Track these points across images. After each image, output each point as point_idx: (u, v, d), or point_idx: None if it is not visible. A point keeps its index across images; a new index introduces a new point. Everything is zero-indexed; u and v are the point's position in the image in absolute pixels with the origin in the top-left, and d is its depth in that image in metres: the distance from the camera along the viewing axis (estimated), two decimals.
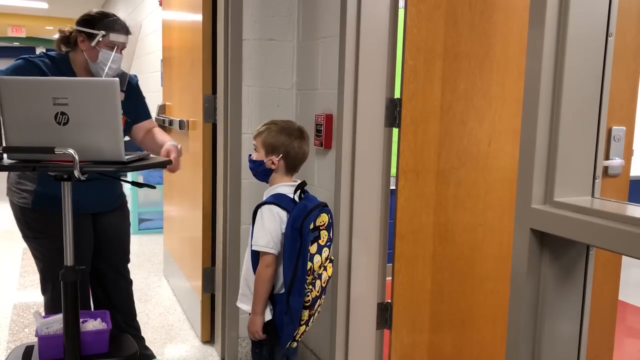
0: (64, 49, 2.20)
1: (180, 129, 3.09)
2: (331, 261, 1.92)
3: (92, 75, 2.20)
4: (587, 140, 1.24)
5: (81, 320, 1.84)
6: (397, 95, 2.18)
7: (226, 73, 2.54)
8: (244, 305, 1.89)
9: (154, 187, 2.08)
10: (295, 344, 1.89)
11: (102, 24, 2.13)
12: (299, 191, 1.82)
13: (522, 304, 1.27)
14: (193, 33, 2.90)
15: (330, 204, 2.06)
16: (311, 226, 1.75)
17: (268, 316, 1.82)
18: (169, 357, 2.83)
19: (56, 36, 2.22)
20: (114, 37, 2.13)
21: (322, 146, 2.32)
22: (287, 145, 1.85)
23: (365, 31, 2.10)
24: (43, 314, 2.23)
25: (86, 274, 2.30)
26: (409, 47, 2.12)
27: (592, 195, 1.26)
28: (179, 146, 2.15)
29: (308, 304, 1.78)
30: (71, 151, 1.55)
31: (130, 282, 2.53)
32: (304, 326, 1.83)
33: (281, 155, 1.85)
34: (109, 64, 2.14)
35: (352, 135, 2.16)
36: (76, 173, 1.57)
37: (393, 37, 2.14)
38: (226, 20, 2.51)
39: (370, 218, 2.22)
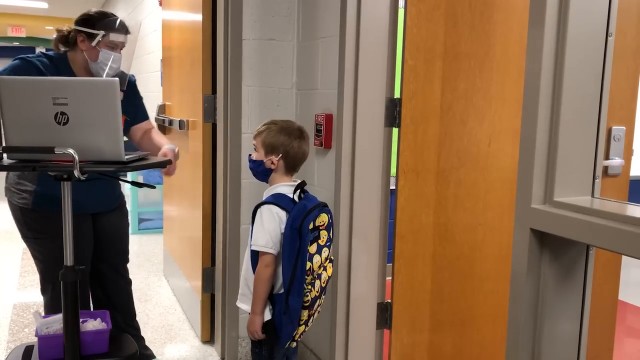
0: (62, 48, 2.20)
1: (180, 128, 3.09)
2: (331, 261, 1.92)
3: (91, 74, 2.19)
4: (587, 140, 1.24)
5: (81, 320, 1.84)
6: (397, 95, 2.18)
7: (226, 73, 2.54)
8: (244, 305, 1.89)
9: (154, 187, 2.07)
10: (294, 344, 1.88)
11: (102, 24, 2.13)
12: (298, 191, 1.82)
13: (522, 304, 1.27)
14: (193, 33, 2.90)
15: (330, 204, 2.06)
16: (310, 226, 1.75)
17: (267, 316, 1.82)
18: (168, 357, 2.83)
19: (54, 36, 2.22)
20: (114, 37, 2.13)
21: (322, 146, 2.32)
22: (287, 145, 1.85)
23: (365, 31, 2.10)
24: (43, 314, 2.23)
25: (86, 274, 2.30)
26: (409, 47, 2.12)
27: (592, 195, 1.26)
28: (176, 149, 2.15)
29: (307, 304, 1.78)
30: (71, 151, 1.55)
31: (130, 281, 2.53)
32: (304, 326, 1.83)
33: (280, 155, 1.85)
34: (109, 63, 2.14)
35: (352, 135, 2.16)
36: (76, 173, 1.56)
37: (393, 37, 2.14)
38: (226, 20, 2.51)
39: (370, 218, 2.22)
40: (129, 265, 2.53)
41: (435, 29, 2.15)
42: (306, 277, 1.75)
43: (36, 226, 2.18)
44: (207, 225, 2.90)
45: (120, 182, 2.43)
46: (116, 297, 2.46)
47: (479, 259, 2.37)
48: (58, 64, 2.15)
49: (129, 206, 5.13)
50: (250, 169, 1.93)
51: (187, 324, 3.22)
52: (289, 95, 2.64)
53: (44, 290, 2.28)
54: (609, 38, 1.22)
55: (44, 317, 1.92)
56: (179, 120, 3.10)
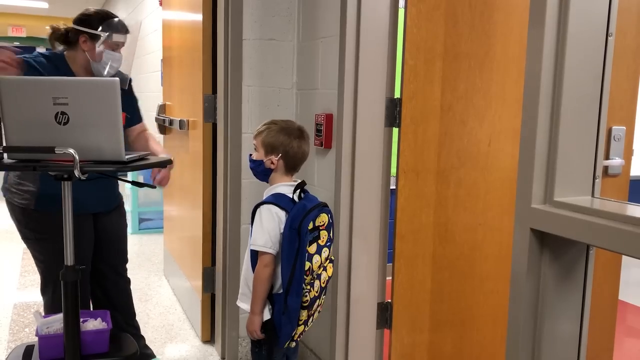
0: (60, 47, 2.20)
1: (180, 128, 3.09)
2: (331, 261, 1.91)
3: (91, 74, 2.19)
4: (587, 140, 1.24)
5: (81, 319, 1.84)
6: (397, 95, 2.18)
7: (226, 73, 2.54)
8: (244, 304, 1.89)
9: (154, 187, 2.08)
10: (294, 343, 1.88)
11: (105, 25, 2.13)
12: (298, 191, 1.82)
13: (522, 304, 1.27)
14: (193, 33, 2.90)
15: (330, 204, 2.06)
16: (310, 226, 1.75)
17: (267, 316, 1.82)
18: (169, 357, 2.83)
19: (49, 32, 2.19)
20: (117, 37, 2.14)
21: (322, 146, 2.32)
22: (286, 144, 1.86)
23: (365, 31, 2.10)
24: (43, 314, 2.23)
25: (86, 274, 2.30)
26: (409, 47, 2.12)
27: (592, 195, 1.26)
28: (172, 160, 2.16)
29: (306, 304, 1.78)
30: (71, 151, 1.55)
31: (129, 281, 2.53)
32: (303, 326, 1.83)
33: (280, 154, 1.86)
34: (112, 64, 2.15)
35: (352, 135, 2.16)
36: (76, 173, 1.56)
37: (393, 37, 2.14)
38: (226, 20, 2.51)
39: (370, 218, 2.22)
40: (128, 265, 2.54)
41: (436, 29, 2.15)
42: (305, 277, 1.75)
43: (38, 226, 2.18)
44: (208, 225, 2.90)
45: (120, 181, 2.43)
46: (116, 297, 2.46)
47: (479, 259, 2.37)
48: (57, 64, 2.15)
49: (129, 206, 5.15)
50: (251, 168, 1.94)
51: (188, 324, 3.22)
52: (289, 95, 2.64)
53: (44, 291, 2.27)
54: (609, 38, 1.22)
55: (44, 316, 1.92)
56: (179, 120, 3.10)
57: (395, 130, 2.20)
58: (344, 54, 2.13)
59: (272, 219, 1.79)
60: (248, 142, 2.52)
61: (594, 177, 1.26)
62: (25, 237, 2.23)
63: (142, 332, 2.60)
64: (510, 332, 1.31)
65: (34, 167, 1.62)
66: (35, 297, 3.52)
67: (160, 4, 4.01)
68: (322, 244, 1.81)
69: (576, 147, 1.23)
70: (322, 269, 1.83)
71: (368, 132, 2.16)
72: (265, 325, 1.82)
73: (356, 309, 2.25)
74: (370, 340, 2.30)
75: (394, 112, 2.17)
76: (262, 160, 1.88)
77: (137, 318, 2.57)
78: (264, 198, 1.88)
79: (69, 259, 1.74)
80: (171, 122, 3.33)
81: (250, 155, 1.93)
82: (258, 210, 1.82)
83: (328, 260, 1.88)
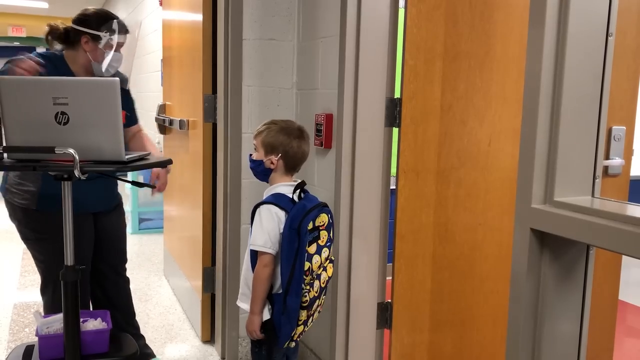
0: (57, 46, 2.20)
1: (180, 128, 3.09)
2: (331, 261, 1.91)
3: (91, 73, 2.19)
4: (587, 140, 1.24)
5: (81, 319, 1.84)
6: (397, 95, 2.18)
7: (226, 73, 2.54)
8: (244, 304, 1.89)
9: (154, 187, 2.08)
10: (293, 344, 1.88)
11: (106, 26, 2.13)
12: (298, 191, 1.82)
13: (522, 304, 1.27)
14: (193, 33, 2.90)
15: (330, 204, 2.06)
16: (310, 226, 1.75)
17: (266, 316, 1.82)
18: (169, 357, 2.83)
19: (46, 30, 2.18)
20: (119, 38, 2.14)
21: (322, 146, 2.32)
22: (286, 144, 1.86)
23: (365, 31, 2.10)
24: (43, 314, 2.23)
25: (86, 274, 2.30)
26: (409, 47, 2.12)
27: (592, 195, 1.26)
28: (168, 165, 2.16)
29: (305, 304, 1.77)
30: (71, 151, 1.55)
31: (128, 280, 2.53)
32: (302, 326, 1.82)
33: (280, 154, 1.86)
34: (113, 63, 2.15)
35: (352, 135, 2.16)
36: (76, 173, 1.56)
37: (393, 37, 2.14)
38: (226, 20, 2.51)
39: (370, 218, 2.22)
40: (128, 265, 2.54)
41: (436, 28, 2.15)
42: (305, 277, 1.75)
43: (38, 226, 2.18)
44: (208, 225, 2.90)
45: (119, 181, 2.43)
46: (116, 297, 2.46)
47: (479, 259, 2.37)
48: (57, 63, 2.15)
49: (129, 206, 5.16)
50: (251, 168, 1.94)
51: (188, 324, 3.22)
52: (289, 95, 2.64)
53: (44, 291, 2.27)
54: (609, 38, 1.22)
55: (44, 316, 1.92)
56: (179, 120, 3.10)
57: (395, 130, 2.20)
58: (344, 53, 2.13)
59: (272, 219, 1.79)
60: (248, 142, 2.52)
61: (594, 177, 1.26)
62: (25, 237, 2.23)
63: (142, 332, 2.60)
64: (510, 332, 1.31)
65: (34, 167, 1.62)
66: (35, 297, 3.52)
67: (160, 4, 4.01)
68: (322, 244, 1.81)
69: (576, 147, 1.23)
70: (322, 269, 1.83)
71: (368, 132, 2.16)
72: (264, 325, 1.82)
73: (356, 309, 2.25)
74: (370, 340, 2.30)
75: (394, 112, 2.17)
76: (262, 160, 1.88)
77: (137, 318, 2.58)
78: (263, 198, 1.88)
79: (69, 259, 1.74)
80: (171, 122, 3.33)
81: (250, 155, 1.93)
82: (258, 210, 1.82)
83: (328, 261, 1.88)
